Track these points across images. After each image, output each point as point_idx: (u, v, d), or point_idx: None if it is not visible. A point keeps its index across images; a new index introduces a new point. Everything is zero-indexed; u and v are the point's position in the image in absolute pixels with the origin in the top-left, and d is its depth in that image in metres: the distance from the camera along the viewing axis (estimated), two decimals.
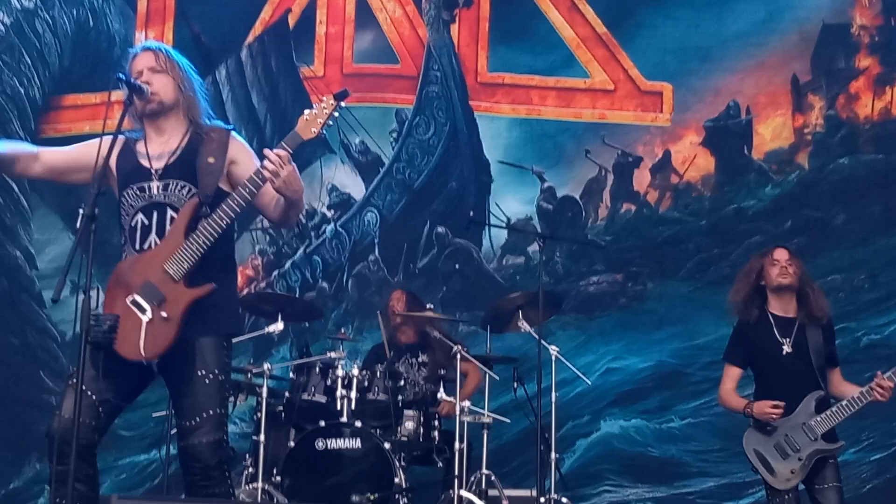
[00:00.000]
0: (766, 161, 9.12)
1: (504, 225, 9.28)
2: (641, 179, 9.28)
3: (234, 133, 5.05)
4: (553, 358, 7.68)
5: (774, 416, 6.52)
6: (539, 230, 9.13)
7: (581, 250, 9.17)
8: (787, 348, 6.67)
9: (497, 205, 9.41)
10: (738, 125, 9.19)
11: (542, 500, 7.36)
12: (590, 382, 8.29)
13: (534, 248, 9.25)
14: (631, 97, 9.37)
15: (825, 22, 9.13)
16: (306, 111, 4.85)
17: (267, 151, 4.75)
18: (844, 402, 6.53)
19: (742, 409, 6.65)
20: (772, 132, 9.14)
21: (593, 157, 9.33)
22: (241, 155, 4.99)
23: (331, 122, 4.84)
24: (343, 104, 4.88)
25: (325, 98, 4.87)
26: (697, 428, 8.68)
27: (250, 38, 10.05)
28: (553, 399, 7.63)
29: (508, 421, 8.01)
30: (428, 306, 8.01)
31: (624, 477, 8.71)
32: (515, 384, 7.77)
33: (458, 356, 7.60)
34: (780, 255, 6.84)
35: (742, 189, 9.12)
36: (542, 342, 7.70)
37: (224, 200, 4.81)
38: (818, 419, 6.52)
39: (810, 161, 9.06)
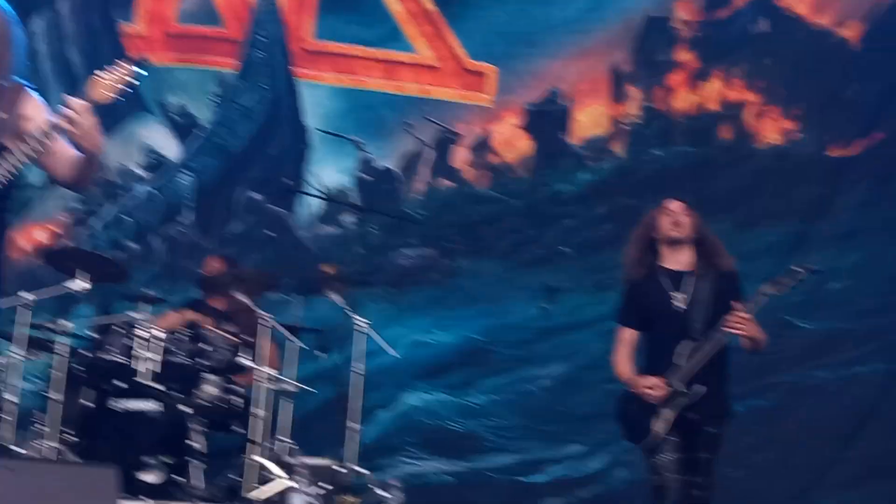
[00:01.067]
0: (584, 147, 9.24)
1: (320, 194, 9.23)
2: (461, 157, 9.32)
3: (28, 88, 4.87)
4: (361, 329, 7.68)
5: (652, 397, 6.26)
6: (355, 201, 9.11)
7: (396, 224, 9.16)
8: (678, 303, 6.39)
9: (315, 174, 9.36)
10: (558, 111, 9.29)
11: (341, 469, 7.37)
12: (397, 355, 8.29)
13: (349, 218, 9.22)
14: (455, 75, 9.40)
15: (648, 14, 9.26)
16: (99, 72, 4.69)
17: (67, 98, 4.62)
18: (706, 346, 6.26)
19: (625, 379, 6.44)
20: (590, 119, 9.26)
21: (414, 132, 9.34)
22: (34, 111, 4.81)
23: (128, 89, 4.68)
24: (156, 65, 4.75)
25: (122, 63, 4.72)
26: (499, 405, 8.77)
27: None
28: (358, 370, 7.62)
29: (313, 391, 7.98)
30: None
31: (424, 450, 8.75)
32: (321, 354, 7.74)
33: (264, 324, 7.54)
34: (674, 206, 6.57)
35: (558, 173, 9.23)
36: (351, 313, 7.70)
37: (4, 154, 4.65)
38: (682, 368, 6.26)
39: (626, 150, 9.20)
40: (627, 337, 6.60)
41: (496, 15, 9.40)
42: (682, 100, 9.20)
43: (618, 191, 9.07)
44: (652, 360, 6.47)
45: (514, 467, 8.65)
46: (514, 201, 9.18)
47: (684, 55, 9.26)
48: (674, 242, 6.51)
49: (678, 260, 6.52)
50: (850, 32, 9.16)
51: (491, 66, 9.36)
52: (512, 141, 9.30)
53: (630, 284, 6.61)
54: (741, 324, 6.25)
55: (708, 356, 6.27)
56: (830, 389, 8.63)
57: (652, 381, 6.31)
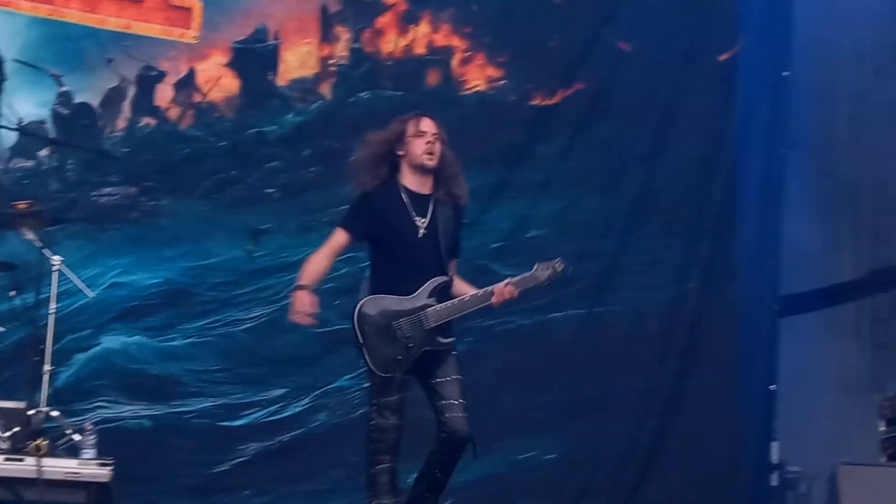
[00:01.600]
0: (291, 88, 9.15)
1: (14, 126, 8.85)
2: (164, 95, 9.08)
3: None
4: (55, 268, 7.45)
5: (296, 316, 6.14)
6: (52, 135, 8.79)
7: (95, 160, 8.86)
8: (422, 229, 6.17)
9: (9, 105, 8.95)
10: (265, 49, 9.16)
11: (33, 412, 7.15)
12: (93, 295, 8.07)
13: (45, 153, 8.88)
14: (158, 10, 9.12)
15: None
16: None
17: None
18: (467, 297, 6.13)
19: (296, 284, 6.21)
20: (298, 60, 9.17)
21: (115, 67, 9.04)
22: None
23: None
24: None
25: None
26: (199, 347, 8.64)
27: None
28: (51, 310, 7.40)
29: (3, 329, 7.73)
30: None
31: (121, 394, 8.54)
32: (13, 293, 7.50)
33: None
34: (426, 125, 6.22)
35: (264, 114, 9.10)
36: (45, 251, 7.45)
37: None
38: (436, 309, 6.08)
39: (333, 92, 9.15)
40: (338, 241, 6.35)
41: None
42: (391, 42, 9.21)
43: (324, 133, 9.02)
44: (378, 279, 6.24)
45: (214, 411, 8.55)
46: (218, 141, 9.01)
47: None
48: (422, 169, 6.24)
49: (420, 182, 6.27)
50: None
51: (196, 1, 9.14)
52: (217, 79, 9.11)
53: (367, 196, 6.30)
54: (500, 300, 6.17)
55: (464, 312, 6.16)
56: (525, 334, 8.87)
57: (308, 302, 6.18)
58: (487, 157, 8.99)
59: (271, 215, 8.89)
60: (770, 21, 9.43)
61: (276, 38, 9.17)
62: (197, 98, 9.08)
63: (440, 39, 9.28)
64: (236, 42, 9.13)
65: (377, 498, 6.12)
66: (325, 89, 9.16)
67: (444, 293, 6.19)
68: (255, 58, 9.14)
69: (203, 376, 8.60)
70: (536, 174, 9.04)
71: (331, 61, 9.19)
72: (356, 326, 6.15)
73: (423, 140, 6.25)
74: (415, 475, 6.23)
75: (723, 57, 9.32)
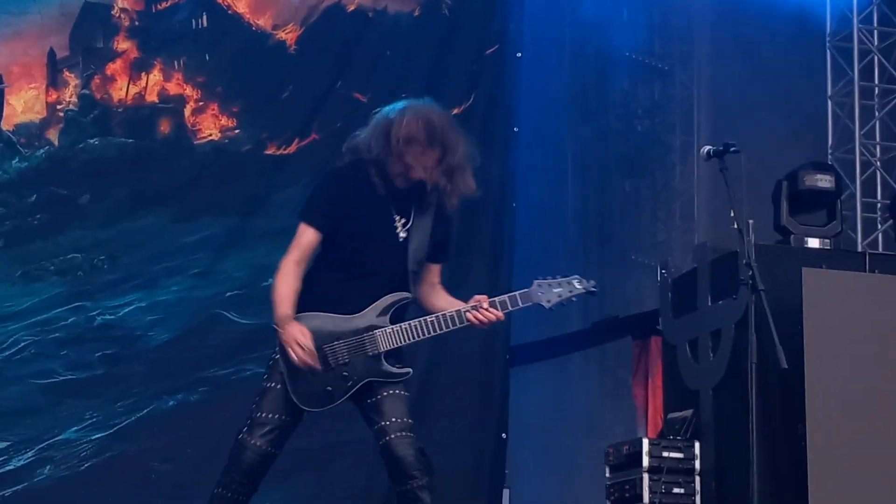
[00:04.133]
0: (16, 133, 8.85)
1: None
2: None
3: None
4: None
5: (297, 359, 5.10)
6: None
7: None
8: (401, 231, 5.30)
9: None
10: None
11: None
12: None
13: None
14: None
15: (88, 0, 9.05)
16: None
17: None
18: (431, 318, 5.24)
19: (278, 316, 5.15)
20: (24, 104, 8.90)
21: None
22: None
23: None
24: None
25: None
26: None
27: None
28: None
29: None
30: None
31: None
32: None
33: None
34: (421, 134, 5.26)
35: None
36: None
37: None
38: (387, 331, 5.21)
39: (60, 138, 8.91)
40: (307, 241, 5.31)
41: None
42: (121, 89, 9.04)
43: (50, 179, 8.75)
44: (314, 289, 5.30)
45: None
46: None
47: (124, 44, 9.10)
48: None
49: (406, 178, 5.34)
50: (288, 35, 9.37)
51: None
52: None
53: (332, 171, 5.61)
54: (485, 321, 5.29)
55: (426, 336, 5.28)
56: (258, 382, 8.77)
57: (302, 333, 5.13)
58: (222, 206, 8.91)
59: None
60: (499, 77, 9.66)
61: (1, 83, 8.89)
62: None
63: (173, 88, 9.16)
64: None
65: None
66: (53, 135, 8.90)
67: (400, 313, 5.31)
68: None
69: None
70: (272, 223, 8.99)
71: (59, 106, 8.95)
72: (280, 355, 5.24)
73: (423, 162, 5.31)
74: None
75: (456, 111, 9.46)
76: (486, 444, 9.08)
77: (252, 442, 5.29)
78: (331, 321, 5.24)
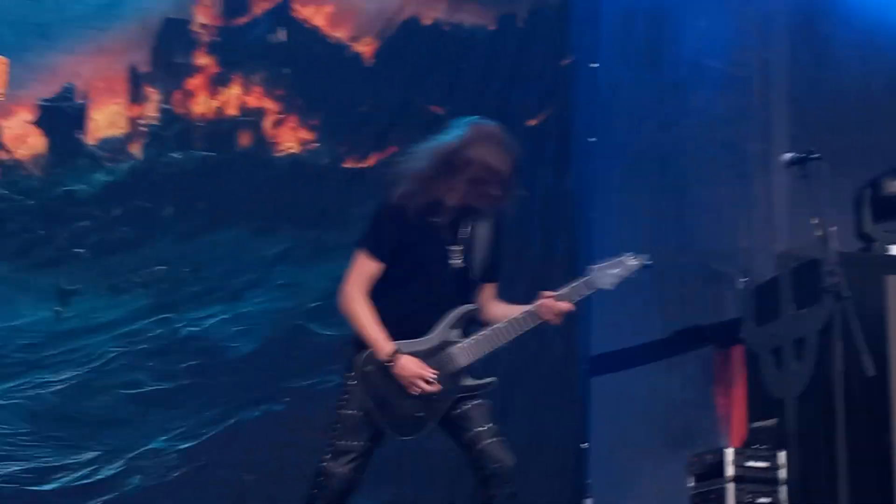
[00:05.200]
0: (100, 147, 8.98)
1: None
2: None
3: None
4: None
5: (420, 390, 5.12)
6: None
7: None
8: (454, 258, 5.34)
9: None
10: (73, 108, 9.00)
11: None
12: None
13: None
14: None
15: (167, 16, 9.16)
16: None
17: None
18: (504, 323, 5.23)
19: (381, 351, 5.15)
20: (107, 119, 9.03)
21: None
22: None
23: None
24: None
25: None
26: (6, 410, 8.36)
27: None
28: None
29: None
30: None
31: None
32: None
33: None
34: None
35: (72, 173, 8.91)
36: None
37: None
38: (463, 345, 5.20)
39: (143, 152, 9.03)
40: (370, 271, 5.34)
41: (5, 4, 8.98)
42: (202, 104, 9.14)
43: (134, 193, 8.88)
44: (393, 313, 5.28)
45: (21, 475, 8.25)
46: (25, 200, 8.78)
47: (203, 59, 9.22)
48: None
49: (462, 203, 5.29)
50: (365, 48, 9.44)
51: (2, 57, 8.94)
52: (23, 137, 8.91)
53: (395, 209, 5.32)
54: (556, 317, 5.28)
55: (504, 342, 5.31)
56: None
57: (414, 364, 5.12)
58: (302, 218, 9.00)
59: (80, 276, 8.67)
60: (575, 88, 9.67)
61: (84, 98, 9.02)
62: (2, 156, 8.86)
63: (252, 101, 9.26)
64: (43, 100, 8.95)
65: None
66: (136, 149, 9.03)
67: (470, 325, 5.32)
68: (62, 116, 8.96)
69: (10, 440, 8.30)
70: (350, 235, 9.03)
71: (141, 121, 9.07)
72: (361, 384, 5.28)
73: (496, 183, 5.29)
74: None
75: (531, 122, 9.51)
76: (567, 453, 9.08)
77: (338, 470, 5.31)
78: (407, 346, 5.25)
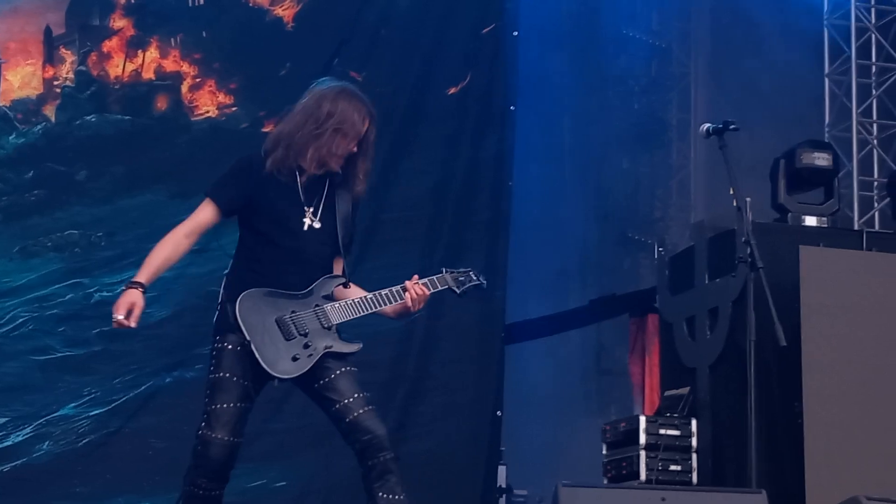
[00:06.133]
0: (13, 109, 8.84)
1: None
2: None
3: None
4: None
5: (115, 325, 5.23)
6: None
7: None
8: (309, 219, 5.34)
9: None
10: None
11: None
12: None
13: None
14: None
15: None
16: None
17: None
18: (371, 295, 5.32)
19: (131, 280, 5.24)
20: (20, 80, 8.89)
21: None
22: None
23: None
24: None
25: None
26: None
27: None
28: None
29: None
30: None
31: None
32: None
33: None
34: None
35: None
36: None
37: None
38: (336, 305, 5.28)
39: (57, 114, 8.90)
40: (204, 216, 5.41)
41: None
42: (118, 66, 9.02)
43: (47, 155, 8.74)
44: (253, 268, 5.33)
45: None
46: None
47: (120, 21, 9.08)
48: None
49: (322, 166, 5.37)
50: (285, 11, 9.35)
51: None
52: None
53: (248, 162, 5.37)
54: (418, 302, 5.35)
55: (370, 312, 5.36)
56: None
57: (130, 305, 5.29)
58: None
59: None
60: (496, 56, 9.63)
61: None
62: None
63: (169, 65, 9.14)
64: None
65: None
66: (50, 111, 8.89)
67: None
68: None
69: None
70: None
71: (55, 83, 8.94)
72: (239, 319, 5.21)
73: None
74: None
75: (453, 90, 9.46)
76: (482, 420, 9.07)
77: (215, 436, 5.26)
78: (284, 295, 5.29)
